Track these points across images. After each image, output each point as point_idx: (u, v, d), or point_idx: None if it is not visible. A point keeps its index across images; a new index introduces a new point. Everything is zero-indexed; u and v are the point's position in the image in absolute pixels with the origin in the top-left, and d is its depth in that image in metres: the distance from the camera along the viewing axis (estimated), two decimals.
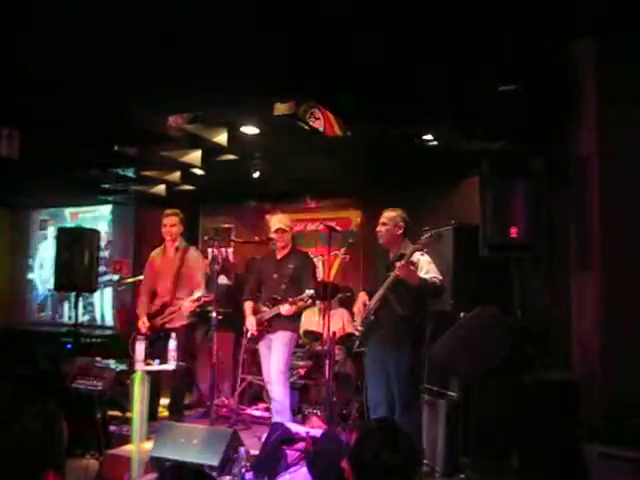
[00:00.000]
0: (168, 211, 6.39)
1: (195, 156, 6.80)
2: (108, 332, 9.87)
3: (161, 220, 6.37)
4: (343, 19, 4.11)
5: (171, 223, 6.30)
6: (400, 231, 5.10)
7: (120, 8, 3.97)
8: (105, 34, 4.32)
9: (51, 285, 10.99)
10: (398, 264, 4.76)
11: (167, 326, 6.09)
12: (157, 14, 4.06)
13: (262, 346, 5.89)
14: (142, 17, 4.10)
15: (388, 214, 5.16)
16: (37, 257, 11.39)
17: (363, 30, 4.27)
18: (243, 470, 3.94)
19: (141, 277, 6.75)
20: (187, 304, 6.00)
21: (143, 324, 6.17)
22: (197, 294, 6.09)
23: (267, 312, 5.74)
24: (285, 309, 5.58)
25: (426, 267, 4.93)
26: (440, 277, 4.92)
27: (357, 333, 5.20)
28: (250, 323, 5.80)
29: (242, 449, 4.06)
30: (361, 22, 4.18)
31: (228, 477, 3.99)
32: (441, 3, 3.96)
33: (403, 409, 4.88)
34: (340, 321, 7.03)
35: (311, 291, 5.53)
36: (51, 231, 11.19)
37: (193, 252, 6.46)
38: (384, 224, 5.14)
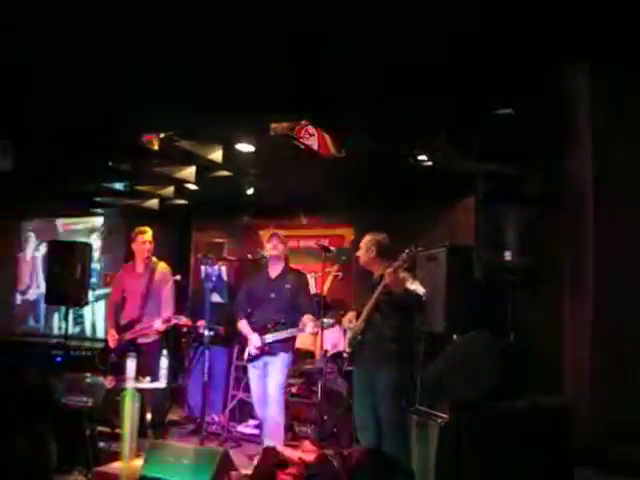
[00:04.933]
0: (143, 229, 6.38)
1: (189, 172, 6.79)
2: (99, 345, 9.81)
3: (134, 238, 6.37)
4: (341, 39, 4.12)
5: (149, 240, 6.31)
6: (372, 254, 5.30)
7: (114, 24, 3.97)
8: (101, 48, 4.30)
9: (29, 295, 11.06)
10: (388, 271, 4.90)
11: (138, 341, 6.11)
12: (153, 29, 4.05)
13: (253, 367, 5.83)
14: (136, 32, 4.09)
15: (364, 239, 5.43)
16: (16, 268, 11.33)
17: (360, 49, 4.28)
18: None
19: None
20: (158, 324, 6.02)
21: (112, 337, 6.19)
22: (167, 314, 6.13)
23: (271, 335, 5.67)
24: (310, 329, 5.62)
25: (410, 280, 5.07)
26: (422, 289, 5.05)
27: (345, 355, 5.28)
28: (255, 340, 5.70)
29: (234, 473, 4.03)
30: (358, 41, 4.19)
31: None
32: (438, 25, 3.97)
33: (389, 428, 4.94)
34: (333, 339, 7.02)
35: (332, 320, 5.70)
36: (31, 242, 11.18)
37: (162, 268, 6.44)
38: (360, 249, 5.41)
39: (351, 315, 5.31)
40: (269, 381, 5.66)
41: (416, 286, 5.03)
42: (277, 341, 5.65)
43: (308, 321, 5.57)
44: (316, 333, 5.70)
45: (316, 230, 8.94)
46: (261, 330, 5.70)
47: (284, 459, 4.00)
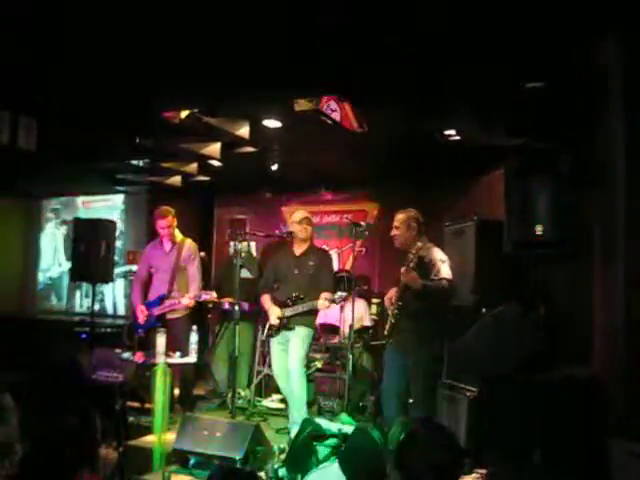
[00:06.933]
0: (161, 212, 6.37)
1: (214, 148, 6.77)
2: (120, 321, 9.89)
3: (154, 221, 6.41)
4: (367, 14, 4.09)
5: (167, 224, 6.34)
6: (414, 232, 5.10)
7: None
8: (127, 25, 4.29)
9: (51, 273, 11.14)
10: (402, 270, 4.82)
11: (167, 317, 6.17)
12: (180, 5, 4.04)
13: (275, 342, 5.90)
14: (164, 8, 4.08)
15: (399, 217, 5.16)
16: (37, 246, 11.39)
17: (386, 24, 4.25)
18: (276, 466, 3.98)
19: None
20: (186, 300, 6.06)
21: (142, 312, 6.25)
22: (195, 290, 6.17)
23: (290, 309, 5.72)
24: (322, 304, 5.58)
25: (437, 266, 4.96)
26: (449, 277, 4.91)
27: (386, 332, 5.23)
28: (275, 313, 5.77)
29: (275, 446, 4.09)
30: (385, 17, 4.16)
31: (262, 473, 4.03)
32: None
33: (418, 402, 4.98)
34: (357, 313, 7.05)
35: (344, 293, 5.61)
36: (52, 220, 11.24)
37: (189, 245, 6.50)
38: (397, 228, 5.15)
39: (392, 292, 5.19)
40: (290, 355, 5.71)
41: (443, 274, 4.90)
42: (296, 315, 5.69)
43: (323, 296, 5.60)
44: (328, 306, 5.66)
45: (338, 205, 8.92)
46: (282, 305, 5.75)
47: (322, 430, 4.05)
